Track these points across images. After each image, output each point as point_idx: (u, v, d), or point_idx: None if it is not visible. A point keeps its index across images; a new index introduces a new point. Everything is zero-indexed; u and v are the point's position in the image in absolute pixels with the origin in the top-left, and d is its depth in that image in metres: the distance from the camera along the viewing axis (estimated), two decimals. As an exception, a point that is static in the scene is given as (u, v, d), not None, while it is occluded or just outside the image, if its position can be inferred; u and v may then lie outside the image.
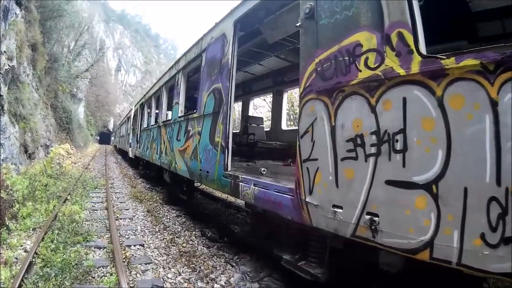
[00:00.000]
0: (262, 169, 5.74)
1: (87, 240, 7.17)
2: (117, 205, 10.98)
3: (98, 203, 11.19)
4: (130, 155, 21.89)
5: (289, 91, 12.84)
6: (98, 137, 76.44)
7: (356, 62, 3.23)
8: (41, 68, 24.32)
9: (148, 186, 15.38)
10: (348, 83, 3.30)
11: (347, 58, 3.34)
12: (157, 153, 12.07)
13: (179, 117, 9.20)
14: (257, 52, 9.72)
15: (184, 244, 7.39)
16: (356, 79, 3.22)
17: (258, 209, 5.38)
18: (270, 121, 12.57)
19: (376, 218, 2.97)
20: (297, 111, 4.78)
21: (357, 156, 3.20)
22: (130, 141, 22.06)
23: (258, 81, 12.73)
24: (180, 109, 9.35)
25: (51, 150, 20.50)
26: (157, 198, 12.05)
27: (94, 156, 34.42)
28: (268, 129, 12.34)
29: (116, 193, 13.20)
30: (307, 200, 3.75)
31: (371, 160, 3.05)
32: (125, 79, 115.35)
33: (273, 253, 4.85)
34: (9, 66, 16.23)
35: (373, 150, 3.04)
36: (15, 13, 17.89)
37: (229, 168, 6.10)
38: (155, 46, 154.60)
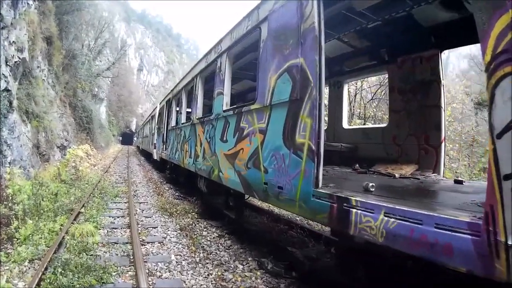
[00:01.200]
0: (370, 184, 3.97)
1: (103, 282, 5.00)
2: (142, 220, 8.78)
3: (118, 217, 9.02)
4: (155, 157, 19.83)
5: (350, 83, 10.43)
6: (121, 138, 76.15)
7: None
8: (57, 63, 22.63)
9: (177, 193, 13.15)
10: None
11: None
12: (190, 157, 9.86)
13: (225, 111, 7.05)
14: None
15: (240, 286, 5.17)
16: None
17: (359, 243, 3.71)
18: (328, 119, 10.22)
19: None
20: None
21: None
22: (155, 142, 19.98)
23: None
24: (226, 101, 7.20)
25: (68, 152, 18.55)
26: (190, 210, 9.79)
27: (115, 157, 32.64)
28: (325, 128, 9.93)
29: (140, 203, 11.01)
30: (509, 243, 2.23)
31: None
32: (147, 79, 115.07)
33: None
34: (20, 58, 14.43)
35: None
36: (27, 3, 16.20)
37: (321, 184, 3.99)
38: (177, 46, 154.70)
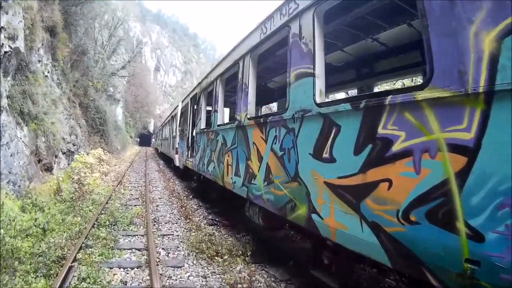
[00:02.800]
0: None
1: None
2: (170, 276, 5.72)
3: (133, 269, 5.93)
4: (177, 163, 16.78)
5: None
6: (138, 139, 74.27)
7: None
8: (63, 58, 19.85)
9: (210, 216, 9.99)
10: None
11: None
12: (237, 175, 6.69)
13: (323, 104, 4.03)
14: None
15: None
16: None
17: None
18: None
19: None
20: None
21: None
22: (177, 146, 16.89)
23: (391, 55, 7.12)
24: (319, 87, 4.12)
25: (75, 158, 15.70)
26: (238, 251, 6.63)
27: (132, 161, 29.72)
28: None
29: (163, 236, 7.88)
30: None
31: None
32: (164, 79, 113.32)
33: None
34: (11, 48, 11.64)
35: None
36: (24, -15, 13.46)
37: None
38: (194, 45, 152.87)
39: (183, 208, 10.63)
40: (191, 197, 13.09)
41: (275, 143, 4.93)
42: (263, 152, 5.35)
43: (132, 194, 13.03)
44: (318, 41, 4.17)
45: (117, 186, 14.54)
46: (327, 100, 4.06)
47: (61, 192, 10.91)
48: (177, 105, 18.78)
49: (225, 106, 9.19)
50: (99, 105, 29.05)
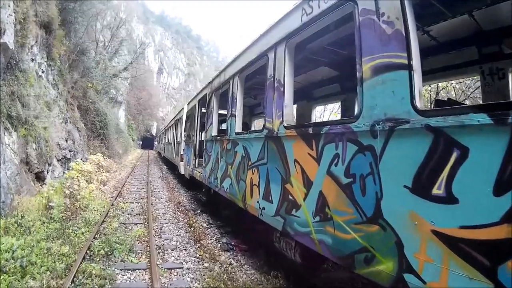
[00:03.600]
0: None
1: None
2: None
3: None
4: (182, 172, 15.36)
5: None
6: (141, 142, 73.31)
7: None
8: (59, 57, 18.44)
9: (224, 239, 8.48)
10: None
11: None
12: (265, 198, 5.23)
13: (438, 113, 2.52)
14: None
15: None
16: None
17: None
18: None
19: None
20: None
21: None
22: (182, 153, 15.42)
23: (441, 52, 5.96)
24: (418, 86, 2.79)
25: (71, 167, 14.26)
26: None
27: (134, 167, 28.11)
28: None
29: (171, 271, 6.36)
30: None
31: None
32: (167, 81, 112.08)
33: None
34: (-3, 42, 10.23)
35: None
36: (15, -24, 12.10)
37: None
38: (198, 48, 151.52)
39: (192, 228, 9.16)
40: (199, 211, 11.60)
41: (335, 165, 3.45)
42: (313, 175, 3.86)
43: (132, 209, 11.51)
44: (410, 18, 2.76)
45: (115, 198, 13.05)
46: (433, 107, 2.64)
47: (51, 209, 9.47)
48: (182, 108, 17.33)
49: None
50: (99, 107, 27.62)
